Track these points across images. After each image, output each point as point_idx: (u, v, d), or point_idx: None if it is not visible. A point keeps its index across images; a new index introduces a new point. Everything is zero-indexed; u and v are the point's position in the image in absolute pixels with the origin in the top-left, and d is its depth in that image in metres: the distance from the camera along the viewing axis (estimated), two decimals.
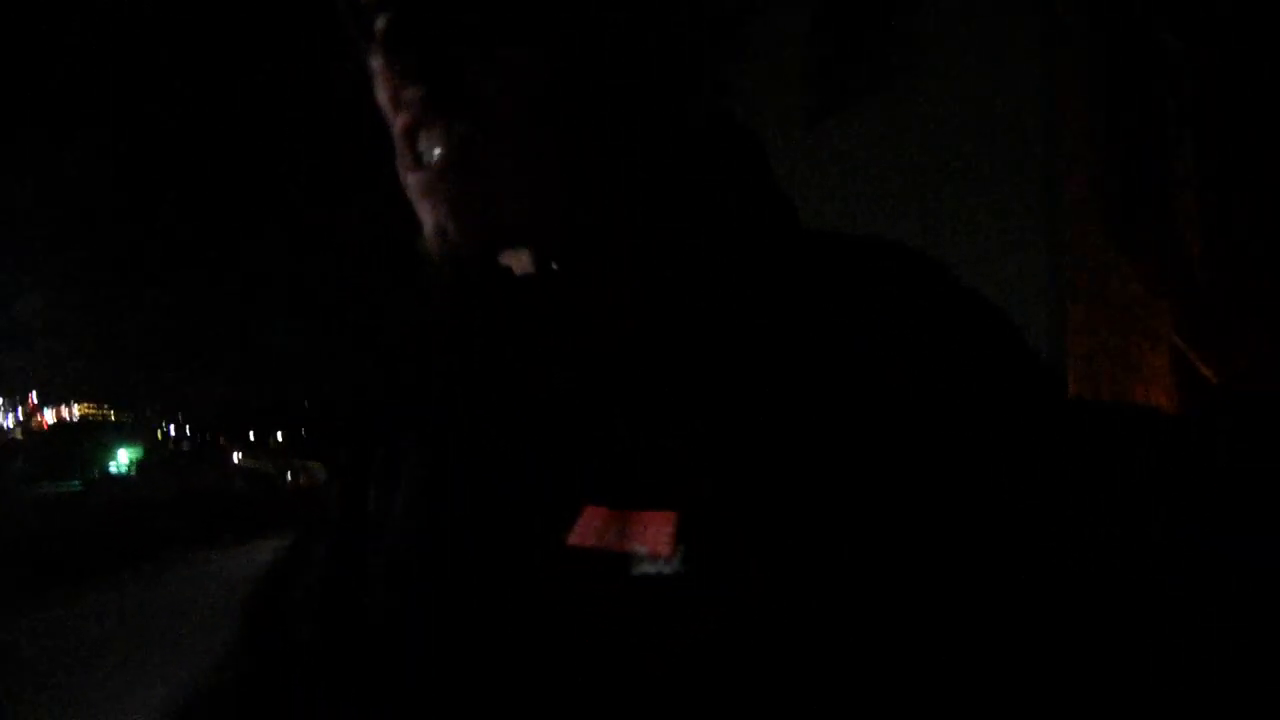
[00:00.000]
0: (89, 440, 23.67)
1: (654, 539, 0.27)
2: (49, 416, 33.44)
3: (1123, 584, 0.26)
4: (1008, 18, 3.34)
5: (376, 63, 0.32)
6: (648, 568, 0.27)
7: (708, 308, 0.31)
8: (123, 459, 22.54)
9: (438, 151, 0.30)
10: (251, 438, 34.29)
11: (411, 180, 0.31)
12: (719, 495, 0.28)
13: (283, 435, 35.57)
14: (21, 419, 33.78)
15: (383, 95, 0.32)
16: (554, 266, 0.33)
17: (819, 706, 0.26)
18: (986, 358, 0.29)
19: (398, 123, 0.31)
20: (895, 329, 0.29)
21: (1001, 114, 3.35)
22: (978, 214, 3.46)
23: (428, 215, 0.31)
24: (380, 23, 0.30)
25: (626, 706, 0.27)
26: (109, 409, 32.06)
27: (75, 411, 34.47)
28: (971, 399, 0.28)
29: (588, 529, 0.29)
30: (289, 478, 19.70)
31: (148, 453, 24.84)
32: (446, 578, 0.32)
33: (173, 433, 36.12)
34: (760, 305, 0.31)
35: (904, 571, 0.26)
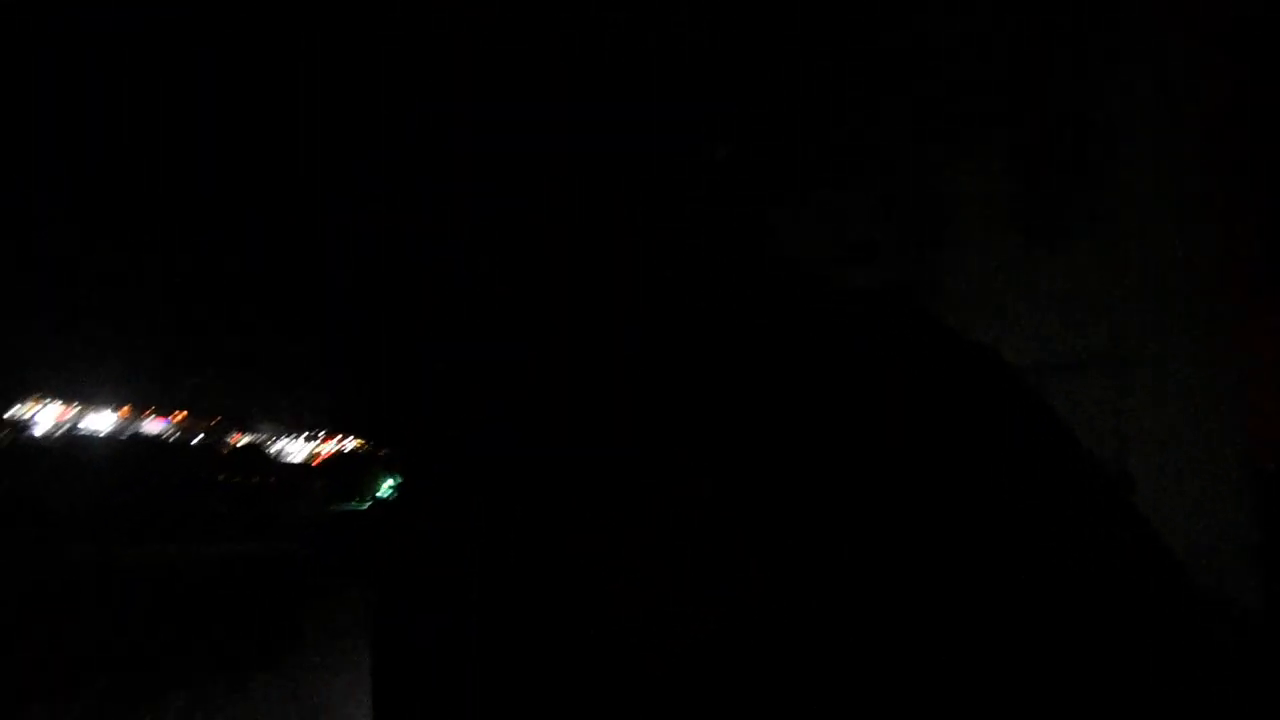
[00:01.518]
0: (363, 469, 33.51)
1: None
2: (330, 448, 46.45)
3: (1112, 586, 0.26)
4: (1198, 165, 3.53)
5: None
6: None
7: (709, 315, 0.32)
8: (388, 485, 31.92)
9: None
10: None
11: None
12: (719, 495, 0.28)
13: None
14: (322, 448, 47.02)
15: None
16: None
17: (818, 705, 0.26)
18: (973, 371, 0.30)
19: None
20: (889, 336, 0.30)
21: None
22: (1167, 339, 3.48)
23: None
24: None
25: (629, 705, 0.27)
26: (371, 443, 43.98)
27: (350, 444, 47.01)
28: (960, 407, 0.28)
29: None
30: None
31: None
32: (462, 583, 0.33)
33: None
34: (759, 317, 0.32)
35: (901, 573, 0.26)
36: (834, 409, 0.29)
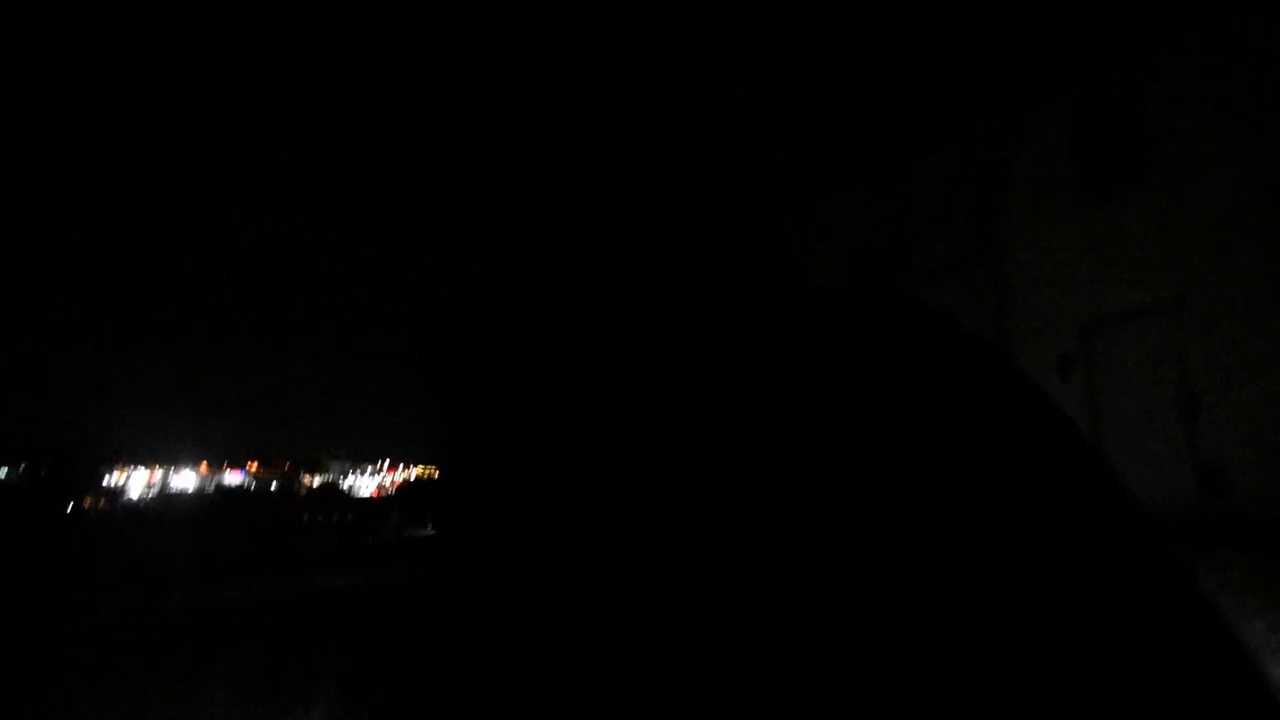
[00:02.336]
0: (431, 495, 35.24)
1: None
2: (397, 478, 48.33)
3: (1112, 588, 0.25)
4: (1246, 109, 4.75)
5: None
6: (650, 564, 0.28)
7: (707, 323, 0.32)
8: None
9: None
10: None
11: None
12: (719, 501, 0.28)
13: None
14: (386, 480, 49.00)
15: None
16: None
17: (818, 699, 0.26)
18: (970, 382, 0.29)
19: None
20: (884, 350, 0.30)
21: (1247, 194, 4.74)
22: (1226, 282, 5.00)
23: None
24: None
25: (631, 697, 0.28)
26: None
27: (413, 472, 49.00)
28: (956, 417, 0.28)
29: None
30: None
31: None
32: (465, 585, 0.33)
33: None
34: (754, 329, 0.32)
35: (899, 577, 0.26)
36: (824, 420, 0.29)
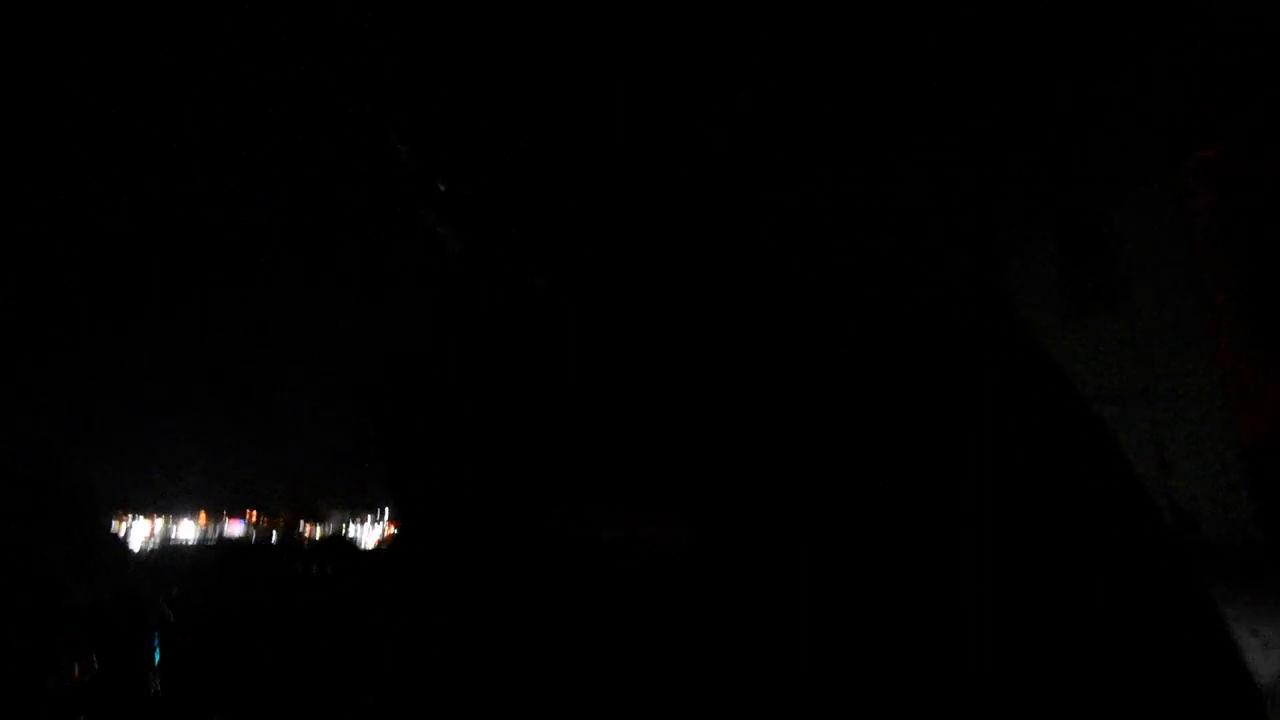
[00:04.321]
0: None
1: (664, 530, 0.29)
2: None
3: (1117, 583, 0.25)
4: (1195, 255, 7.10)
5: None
6: (659, 554, 0.29)
7: (701, 320, 0.32)
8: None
9: None
10: None
11: None
12: (720, 491, 0.29)
13: None
14: (389, 530, 48.56)
15: None
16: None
17: (820, 673, 0.26)
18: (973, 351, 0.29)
19: None
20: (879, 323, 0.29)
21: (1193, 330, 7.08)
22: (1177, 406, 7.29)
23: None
24: None
25: (640, 670, 0.28)
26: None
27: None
28: (957, 390, 0.28)
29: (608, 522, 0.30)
30: None
31: None
32: (481, 569, 0.33)
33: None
34: (753, 326, 0.31)
35: (892, 567, 0.26)
36: (822, 408, 0.28)
